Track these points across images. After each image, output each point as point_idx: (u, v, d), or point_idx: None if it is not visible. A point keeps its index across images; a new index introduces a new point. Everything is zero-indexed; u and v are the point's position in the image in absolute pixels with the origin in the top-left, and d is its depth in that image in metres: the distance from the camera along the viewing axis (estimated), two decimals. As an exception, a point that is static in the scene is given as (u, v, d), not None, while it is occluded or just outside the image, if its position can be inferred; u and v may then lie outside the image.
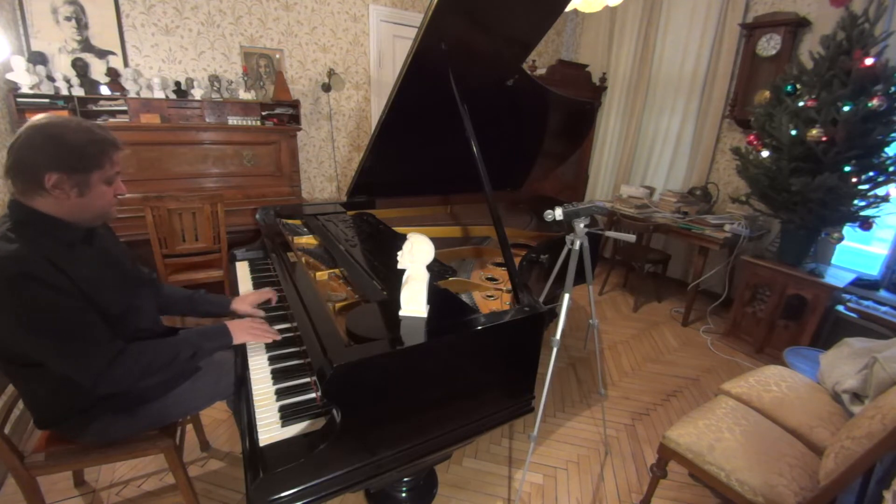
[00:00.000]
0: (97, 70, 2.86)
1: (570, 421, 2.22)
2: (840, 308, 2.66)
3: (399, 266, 1.17)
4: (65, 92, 2.63)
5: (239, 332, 1.29)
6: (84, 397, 1.14)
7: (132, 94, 2.82)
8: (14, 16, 2.61)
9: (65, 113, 2.59)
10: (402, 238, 1.22)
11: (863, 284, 2.79)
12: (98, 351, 1.02)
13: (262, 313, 1.47)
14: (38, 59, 2.65)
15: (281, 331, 1.40)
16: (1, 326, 0.98)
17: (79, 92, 2.67)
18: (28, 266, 0.94)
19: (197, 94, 3.01)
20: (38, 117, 1.01)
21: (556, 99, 2.17)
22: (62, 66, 2.76)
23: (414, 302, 1.13)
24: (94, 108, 2.71)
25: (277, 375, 1.20)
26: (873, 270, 2.92)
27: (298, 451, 0.95)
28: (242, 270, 1.88)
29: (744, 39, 3.35)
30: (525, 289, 1.35)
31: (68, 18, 2.74)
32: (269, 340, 1.33)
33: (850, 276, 2.73)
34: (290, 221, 2.09)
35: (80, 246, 1.09)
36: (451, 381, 1.15)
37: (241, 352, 1.32)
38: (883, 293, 2.75)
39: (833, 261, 3.01)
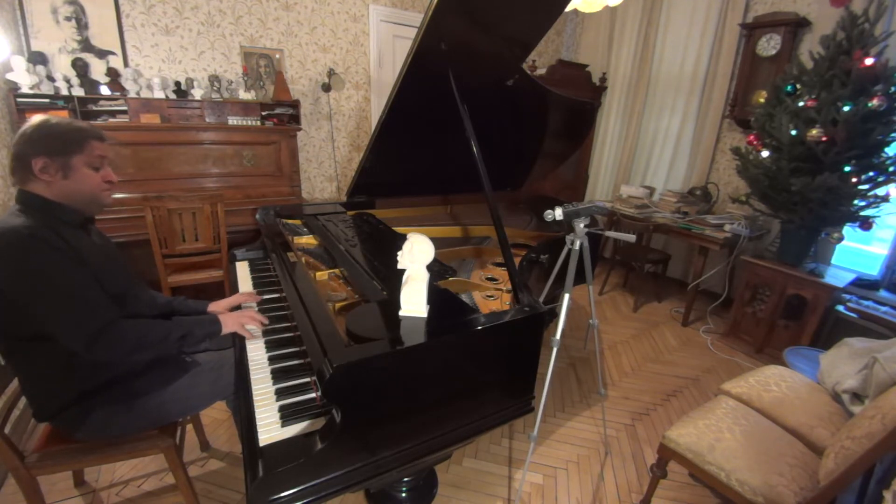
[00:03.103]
0: (97, 70, 2.86)
1: (570, 421, 2.22)
2: (840, 308, 2.66)
3: (399, 266, 1.17)
4: (65, 92, 2.63)
5: (229, 320, 1.33)
6: (83, 382, 1.17)
7: (132, 94, 2.82)
8: (14, 16, 2.61)
9: (64, 113, 2.59)
10: (402, 238, 1.21)
11: (863, 284, 2.79)
12: (94, 314, 1.08)
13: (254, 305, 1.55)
14: (38, 59, 2.64)
15: (281, 330, 1.41)
16: (9, 285, 1.03)
17: (79, 92, 2.67)
18: (38, 231, 1.04)
19: (197, 94, 3.01)
20: (34, 118, 1.14)
21: (556, 99, 2.17)
22: (62, 66, 2.76)
23: (414, 302, 1.13)
24: (94, 108, 2.71)
25: (277, 375, 1.20)
26: (873, 270, 2.92)
27: (298, 451, 0.95)
28: (242, 270, 1.88)
29: (744, 39, 3.35)
30: (525, 289, 1.35)
31: (68, 18, 2.74)
32: (259, 326, 1.37)
33: (850, 276, 2.73)
34: (290, 221, 2.09)
35: (80, 231, 1.19)
36: (451, 381, 1.15)
37: (240, 350, 1.32)
38: (883, 293, 2.75)
39: (833, 261, 3.01)
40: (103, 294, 1.12)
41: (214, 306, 1.51)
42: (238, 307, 1.54)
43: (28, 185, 1.11)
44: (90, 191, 1.17)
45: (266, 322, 1.39)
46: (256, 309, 1.51)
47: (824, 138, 2.35)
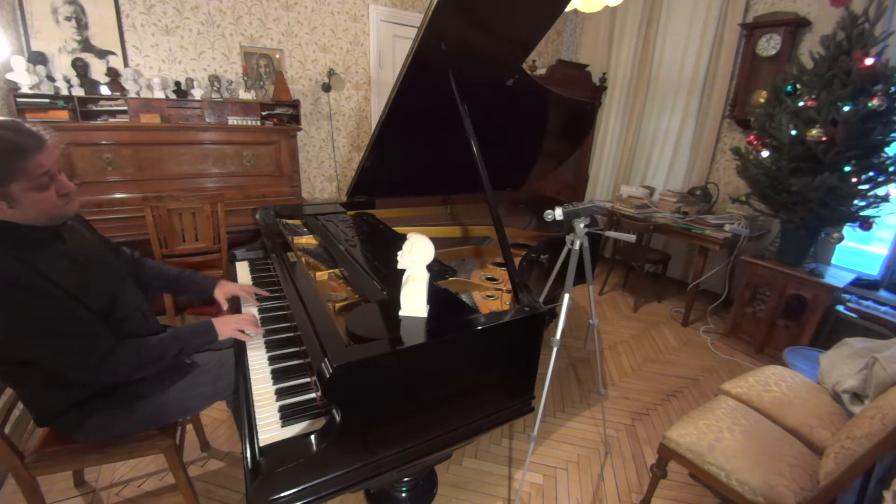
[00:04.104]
0: (97, 70, 2.86)
1: (570, 421, 2.22)
2: (840, 308, 2.66)
3: (399, 266, 1.17)
4: (65, 92, 2.63)
5: (225, 326, 1.31)
6: (80, 390, 1.16)
7: (132, 94, 2.82)
8: (14, 16, 2.61)
9: (64, 114, 2.59)
10: (402, 238, 1.21)
11: (863, 284, 2.79)
12: (89, 347, 1.05)
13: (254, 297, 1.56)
14: (38, 59, 2.64)
15: (281, 330, 1.41)
16: None
17: (79, 92, 2.67)
18: (4, 273, 0.95)
19: (197, 94, 3.01)
20: None
21: (556, 99, 2.16)
22: (62, 66, 2.76)
23: (414, 302, 1.13)
24: (94, 108, 2.71)
25: (277, 375, 1.20)
26: (873, 270, 2.92)
27: (298, 451, 0.95)
28: (242, 270, 1.88)
29: (744, 39, 3.35)
30: (525, 289, 1.35)
31: (68, 18, 2.74)
32: (254, 331, 1.36)
33: (850, 276, 2.73)
34: (290, 221, 2.09)
35: (52, 244, 1.09)
36: (451, 381, 1.15)
37: (239, 351, 1.32)
38: (883, 293, 2.75)
39: (833, 261, 3.01)
40: (91, 319, 1.07)
41: (219, 291, 1.51)
42: (238, 309, 1.54)
43: None
44: (47, 211, 1.05)
45: (261, 331, 1.38)
46: (257, 310, 1.52)
47: (824, 138, 2.35)
